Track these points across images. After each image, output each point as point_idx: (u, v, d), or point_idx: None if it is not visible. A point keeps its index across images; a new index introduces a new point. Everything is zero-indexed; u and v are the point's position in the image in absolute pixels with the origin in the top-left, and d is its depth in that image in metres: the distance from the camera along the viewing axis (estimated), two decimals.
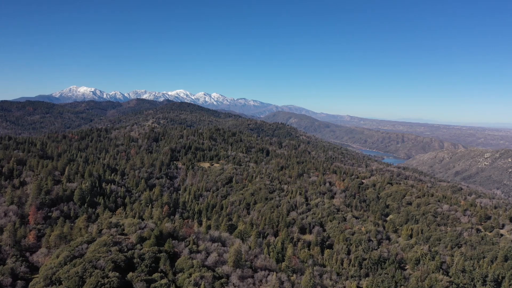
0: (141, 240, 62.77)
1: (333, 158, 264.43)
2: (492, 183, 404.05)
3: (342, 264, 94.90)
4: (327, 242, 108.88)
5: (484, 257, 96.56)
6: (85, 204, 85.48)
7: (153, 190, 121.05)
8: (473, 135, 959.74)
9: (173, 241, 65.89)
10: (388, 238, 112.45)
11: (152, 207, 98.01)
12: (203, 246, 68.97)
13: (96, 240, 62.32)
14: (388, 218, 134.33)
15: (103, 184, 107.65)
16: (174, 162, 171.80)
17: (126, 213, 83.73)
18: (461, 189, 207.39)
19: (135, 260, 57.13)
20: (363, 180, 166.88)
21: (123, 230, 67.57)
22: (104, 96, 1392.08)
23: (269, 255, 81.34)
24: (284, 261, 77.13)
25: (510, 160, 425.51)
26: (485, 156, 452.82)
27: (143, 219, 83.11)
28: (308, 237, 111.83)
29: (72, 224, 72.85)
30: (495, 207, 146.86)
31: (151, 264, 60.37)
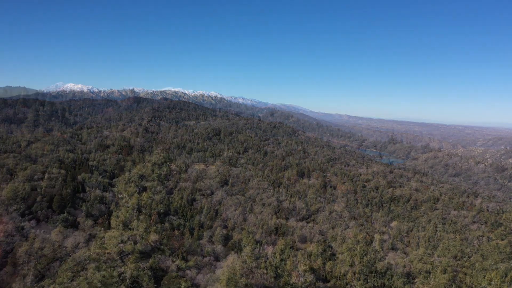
0: (123, 255, 55.86)
1: (333, 159, 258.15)
2: (493, 184, 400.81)
3: (345, 278, 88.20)
4: (329, 253, 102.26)
5: (497, 269, 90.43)
6: (65, 212, 77.91)
7: (142, 194, 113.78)
8: (472, 135, 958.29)
9: (160, 256, 59.29)
10: (394, 248, 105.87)
11: (139, 214, 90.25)
12: (193, 261, 61.54)
13: (70, 256, 55.20)
14: (392, 225, 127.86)
15: (87, 189, 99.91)
16: (168, 163, 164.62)
17: (109, 222, 76.28)
18: (465, 191, 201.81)
19: (91, 163, 49.60)
20: (365, 183, 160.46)
21: (103, 243, 60.37)
22: (101, 94, 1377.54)
23: (267, 270, 74.43)
24: (283, 277, 70.28)
25: (503, 147, 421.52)
26: (478, 144, 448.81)
27: (129, 228, 75.67)
28: (308, 246, 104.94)
29: (47, 236, 65.36)
30: (503, 212, 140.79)
31: (132, 285, 54.03)
